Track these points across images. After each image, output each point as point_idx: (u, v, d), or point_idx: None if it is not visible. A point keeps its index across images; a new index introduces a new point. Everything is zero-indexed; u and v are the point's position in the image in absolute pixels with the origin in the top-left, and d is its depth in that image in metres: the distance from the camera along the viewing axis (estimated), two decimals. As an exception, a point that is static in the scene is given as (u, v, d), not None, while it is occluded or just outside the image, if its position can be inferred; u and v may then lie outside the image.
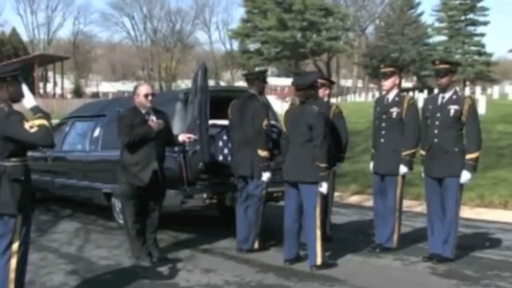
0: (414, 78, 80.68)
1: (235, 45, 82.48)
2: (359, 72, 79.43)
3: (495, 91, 42.01)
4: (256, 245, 7.29)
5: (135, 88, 6.99)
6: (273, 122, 7.78)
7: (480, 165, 6.84)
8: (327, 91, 7.68)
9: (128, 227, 6.93)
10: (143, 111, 6.80)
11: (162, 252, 7.09)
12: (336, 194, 9.10)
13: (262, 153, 7.07)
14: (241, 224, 7.27)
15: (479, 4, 76.70)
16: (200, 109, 7.30)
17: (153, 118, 6.80)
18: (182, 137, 7.09)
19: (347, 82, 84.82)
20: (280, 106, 35.32)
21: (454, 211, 6.60)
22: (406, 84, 77.58)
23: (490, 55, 77.56)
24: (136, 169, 6.69)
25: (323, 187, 6.34)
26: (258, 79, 7.43)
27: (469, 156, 6.53)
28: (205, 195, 7.63)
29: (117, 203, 8.56)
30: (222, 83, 78.87)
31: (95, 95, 76.67)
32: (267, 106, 7.60)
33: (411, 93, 47.01)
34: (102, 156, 8.98)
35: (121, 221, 8.20)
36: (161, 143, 6.81)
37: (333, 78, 45.51)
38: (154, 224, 6.98)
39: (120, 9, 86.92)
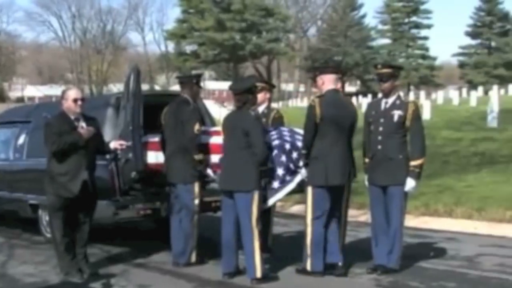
0: (358, 82, 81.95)
1: (171, 47, 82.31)
2: (301, 76, 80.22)
3: (439, 96, 43.11)
4: (193, 259, 7.26)
5: (63, 92, 6.89)
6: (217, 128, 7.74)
7: (424, 173, 7.00)
8: (268, 95, 7.72)
9: (56, 241, 6.81)
10: (72, 117, 6.71)
11: (93, 268, 6.99)
12: (277, 203, 9.15)
13: (198, 156, 7.06)
14: (177, 236, 7.23)
15: (422, 7, 78.71)
16: (132, 115, 7.26)
17: (82, 124, 6.71)
18: (114, 144, 7.02)
19: (288, 87, 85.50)
20: (218, 111, 35.32)
21: (398, 220, 6.72)
22: (349, 88, 78.79)
23: (434, 59, 79.59)
24: (64, 179, 6.59)
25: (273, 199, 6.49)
26: (191, 83, 7.44)
27: (413, 163, 6.67)
28: (139, 206, 7.57)
29: (44, 216, 8.41)
30: (157, 87, 78.42)
31: (20, 99, 75.20)
32: (199, 111, 7.61)
33: (354, 98, 47.76)
34: (27, 165, 8.82)
35: (48, 235, 8.05)
36: (91, 151, 6.73)
37: (274, 82, 45.82)
38: (84, 237, 6.88)
39: (47, 7, 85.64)
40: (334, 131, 6.58)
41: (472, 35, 79.61)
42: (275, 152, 6.77)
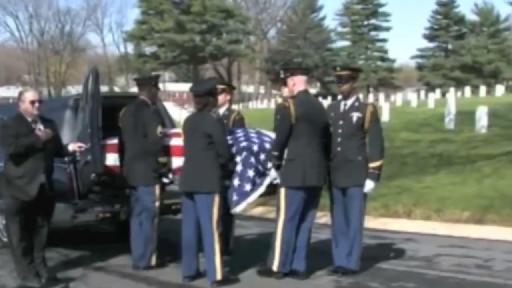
0: (318, 84, 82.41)
1: (130, 48, 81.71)
2: (261, 77, 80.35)
3: (398, 98, 43.63)
4: (153, 262, 7.22)
5: (20, 94, 6.78)
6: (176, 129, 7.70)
7: (383, 174, 7.07)
8: (228, 97, 7.74)
9: (13, 246, 6.70)
10: (29, 119, 6.61)
11: (51, 272, 6.89)
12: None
13: (162, 159, 7.06)
14: (137, 239, 7.18)
15: (381, 9, 79.58)
16: (91, 117, 7.19)
17: (40, 126, 6.62)
18: (72, 147, 6.95)
19: (249, 88, 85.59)
20: (178, 113, 35.20)
21: (358, 221, 6.78)
22: (309, 90, 79.09)
23: (393, 61, 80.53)
24: (21, 182, 6.49)
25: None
26: (149, 85, 7.42)
27: (372, 164, 6.73)
28: (98, 209, 7.50)
29: (0, 220, 8.27)
30: (116, 89, 77.80)
31: (-25, 101, 73.81)
32: (159, 113, 7.58)
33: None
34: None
35: (5, 239, 7.91)
36: (49, 153, 6.64)
37: (234, 84, 45.83)
38: (42, 241, 6.79)
39: (3, 7, 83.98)
40: (309, 131, 6.57)
41: (430, 37, 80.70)
42: (244, 154, 6.75)
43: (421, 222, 10.20)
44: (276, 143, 6.65)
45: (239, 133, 7.01)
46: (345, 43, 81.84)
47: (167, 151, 7.15)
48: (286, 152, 6.59)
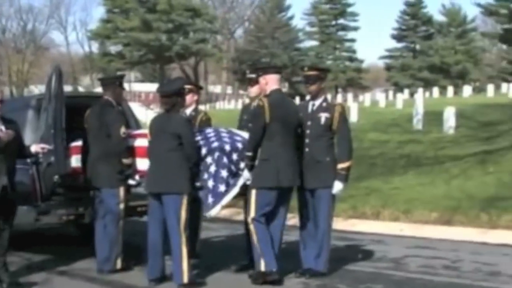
0: (286, 84, 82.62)
1: (95, 47, 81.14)
2: (228, 77, 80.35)
3: (366, 98, 43.96)
4: (118, 265, 7.17)
5: (-19, 94, 6.69)
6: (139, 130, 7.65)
7: (352, 175, 7.11)
8: (195, 98, 7.72)
9: (-27, 250, 6.60)
10: (-10, 120, 6.52)
11: (13, 277, 6.80)
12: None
13: (126, 160, 7.03)
14: (101, 242, 7.13)
15: (349, 9, 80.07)
16: (54, 117, 7.13)
17: (1, 127, 6.54)
18: (35, 148, 6.87)
19: (216, 88, 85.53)
20: (144, 114, 35.02)
21: (326, 223, 6.80)
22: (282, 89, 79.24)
23: (361, 61, 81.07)
24: (-18, 184, 6.40)
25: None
26: (114, 85, 7.38)
27: (340, 165, 6.76)
28: (61, 211, 7.44)
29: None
30: (81, 89, 77.18)
31: None
32: (124, 113, 7.54)
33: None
34: None
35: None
36: (11, 155, 6.55)
37: (201, 84, 45.77)
38: (4, 245, 6.69)
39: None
40: (283, 131, 6.53)
41: (398, 38, 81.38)
42: (216, 154, 6.69)
43: (389, 223, 10.29)
44: (250, 143, 6.59)
45: (211, 133, 6.96)
46: (313, 43, 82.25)
47: (131, 152, 7.11)
48: (259, 152, 6.55)
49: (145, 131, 7.03)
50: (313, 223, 6.85)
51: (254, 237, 6.54)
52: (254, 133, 6.57)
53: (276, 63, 72.71)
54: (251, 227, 6.58)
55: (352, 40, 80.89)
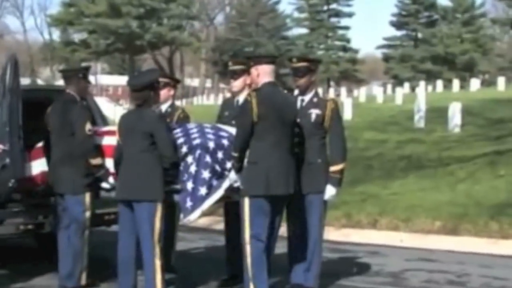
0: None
1: (56, 34, 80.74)
2: (207, 70, 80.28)
3: (362, 92, 44.08)
4: (83, 281, 7.15)
5: None
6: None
7: (346, 179, 7.11)
8: (171, 92, 7.70)
9: None
10: None
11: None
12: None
13: (94, 160, 6.97)
14: (64, 255, 7.10)
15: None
16: (10, 114, 7.08)
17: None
18: (-13, 149, 6.85)
19: (193, 82, 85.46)
20: (112, 110, 34.94)
21: (317, 233, 6.79)
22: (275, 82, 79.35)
23: (356, 51, 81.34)
24: None
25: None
26: (78, 77, 7.34)
27: (333, 168, 6.74)
28: (18, 220, 7.41)
29: None
30: (40, 82, 76.85)
31: None
32: (89, 109, 7.52)
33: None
34: None
35: None
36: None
37: (177, 76, 45.70)
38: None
39: None
40: (275, 130, 6.38)
41: (397, 25, 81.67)
42: (197, 152, 6.61)
43: (387, 233, 10.33)
44: (236, 143, 6.47)
45: (193, 128, 6.89)
46: (303, 30, 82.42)
47: (100, 151, 7.07)
48: (248, 153, 6.44)
49: (114, 128, 6.99)
50: (302, 233, 6.84)
51: (248, 260, 6.37)
52: (241, 132, 6.45)
53: (260, 53, 72.88)
54: (247, 248, 6.38)
55: (346, 28, 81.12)
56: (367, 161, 15.65)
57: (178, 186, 6.65)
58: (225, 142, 6.75)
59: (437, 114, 21.11)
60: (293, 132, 6.61)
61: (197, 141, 6.69)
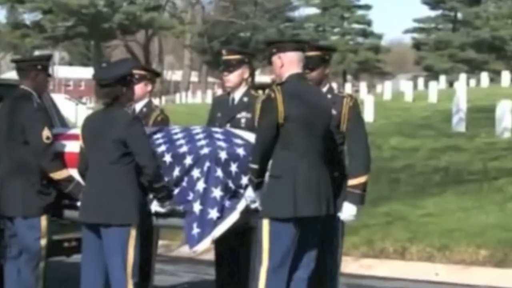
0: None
1: (2, 15, 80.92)
2: (192, 59, 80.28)
3: (386, 88, 44.01)
4: (36, 323, 7.17)
5: None
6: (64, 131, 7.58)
7: (367, 197, 7.09)
8: (148, 88, 7.70)
9: None
10: None
11: None
12: (160, 243, 9.12)
13: (57, 174, 6.96)
14: (14, 292, 7.13)
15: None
16: None
17: None
18: None
19: (175, 75, 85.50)
20: (74, 110, 34.94)
21: (334, 263, 6.75)
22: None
23: (379, 37, 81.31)
24: None
25: None
26: (35, 70, 7.31)
27: (353, 182, 6.64)
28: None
29: None
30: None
31: None
32: (47, 110, 7.52)
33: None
34: None
35: None
36: None
37: (155, 68, 45.75)
38: None
39: None
40: (305, 136, 6.28)
41: (432, 4, 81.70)
42: (206, 164, 6.53)
43: (419, 264, 10.33)
44: (256, 152, 6.34)
45: (196, 129, 6.85)
46: (312, 10, 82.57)
47: (62, 161, 7.04)
48: (270, 165, 6.34)
49: (77, 131, 6.94)
50: (312, 265, 6.78)
51: None
52: (262, 137, 6.33)
53: (259, 39, 72.97)
54: (261, 281, 6.26)
55: (367, 7, 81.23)
56: (393, 174, 15.67)
57: (180, 208, 6.60)
58: (240, 151, 6.66)
59: (482, 115, 21.16)
60: (327, 138, 6.50)
61: (205, 151, 6.60)
